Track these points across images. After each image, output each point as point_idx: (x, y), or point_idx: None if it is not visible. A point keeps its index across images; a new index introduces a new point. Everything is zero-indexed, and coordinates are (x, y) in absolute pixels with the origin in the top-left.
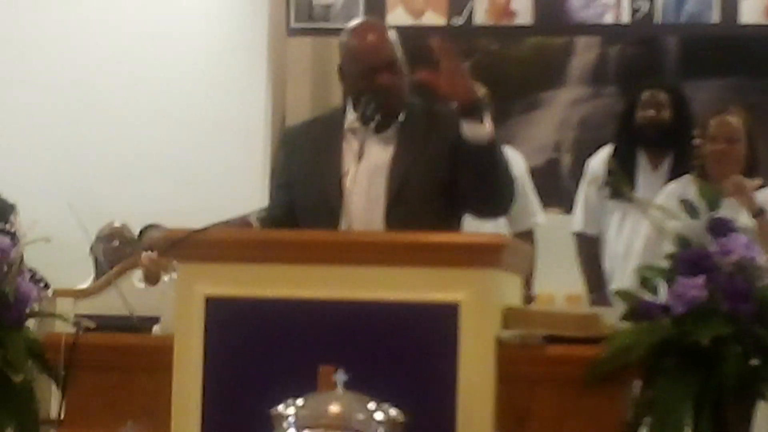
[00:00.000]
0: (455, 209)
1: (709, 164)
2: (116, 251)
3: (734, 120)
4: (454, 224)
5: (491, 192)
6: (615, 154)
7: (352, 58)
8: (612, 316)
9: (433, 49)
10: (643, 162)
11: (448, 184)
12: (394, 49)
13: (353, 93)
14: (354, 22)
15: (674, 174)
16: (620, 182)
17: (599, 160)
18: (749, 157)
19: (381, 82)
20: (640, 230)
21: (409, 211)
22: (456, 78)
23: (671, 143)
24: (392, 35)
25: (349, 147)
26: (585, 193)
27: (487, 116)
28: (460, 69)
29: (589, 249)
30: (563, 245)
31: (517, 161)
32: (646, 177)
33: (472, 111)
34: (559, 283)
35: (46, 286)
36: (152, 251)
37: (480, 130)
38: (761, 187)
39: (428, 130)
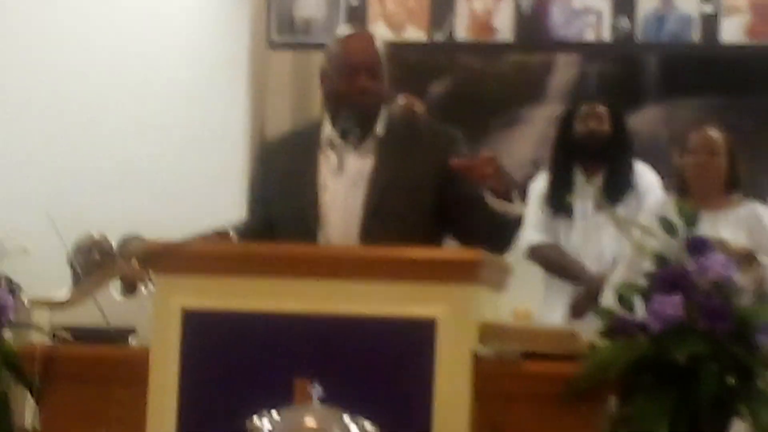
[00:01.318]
0: (436, 231)
1: (690, 177)
2: (95, 263)
3: (715, 134)
4: (432, 244)
5: (501, 242)
6: (554, 168)
7: (335, 58)
8: (588, 332)
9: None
10: (578, 175)
11: (429, 207)
12: (378, 56)
13: (331, 97)
14: (344, 31)
15: (608, 186)
16: (568, 206)
17: (540, 183)
18: (729, 172)
19: (360, 84)
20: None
21: (386, 226)
22: (489, 169)
23: (607, 156)
24: (380, 45)
25: (326, 160)
26: (531, 215)
27: (517, 196)
28: (493, 162)
29: (552, 250)
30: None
31: None
32: (581, 189)
33: (503, 195)
34: (507, 298)
35: (21, 295)
36: (133, 261)
37: (509, 208)
38: (742, 201)
39: (410, 145)
